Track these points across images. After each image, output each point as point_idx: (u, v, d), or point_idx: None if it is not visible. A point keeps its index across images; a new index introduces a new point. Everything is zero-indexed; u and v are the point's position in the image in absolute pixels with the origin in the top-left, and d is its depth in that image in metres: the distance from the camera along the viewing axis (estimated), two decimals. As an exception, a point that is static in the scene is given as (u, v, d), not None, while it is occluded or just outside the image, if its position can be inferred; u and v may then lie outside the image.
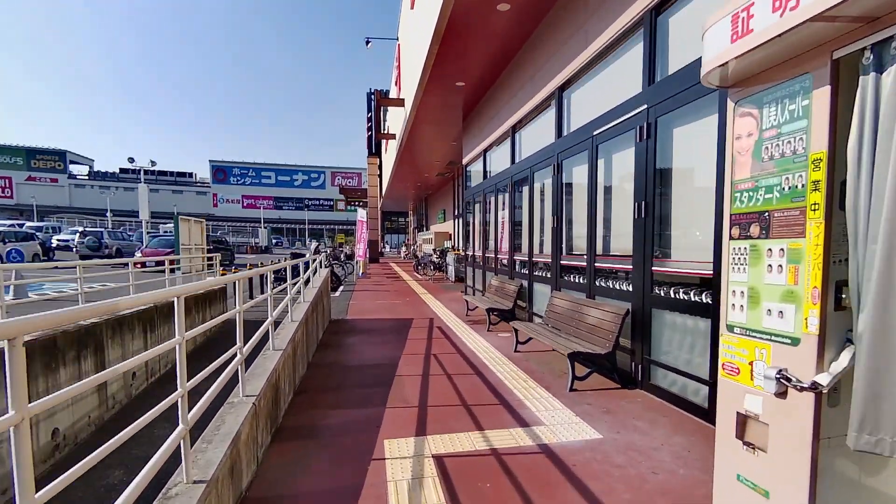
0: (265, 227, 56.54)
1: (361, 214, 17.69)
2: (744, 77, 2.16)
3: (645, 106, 4.39)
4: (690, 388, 3.98)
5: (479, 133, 10.75)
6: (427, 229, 33.39)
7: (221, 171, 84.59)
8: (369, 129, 28.96)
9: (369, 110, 31.91)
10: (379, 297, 12.20)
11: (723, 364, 2.35)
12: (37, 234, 27.09)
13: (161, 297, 2.02)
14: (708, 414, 3.71)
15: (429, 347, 6.56)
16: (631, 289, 4.69)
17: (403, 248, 41.65)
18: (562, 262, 6.37)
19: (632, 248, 4.62)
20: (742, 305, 2.20)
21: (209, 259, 11.23)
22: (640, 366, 4.56)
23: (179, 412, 2.18)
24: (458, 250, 19.15)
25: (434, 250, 21.13)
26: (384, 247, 51.62)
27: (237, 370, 3.08)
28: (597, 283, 5.39)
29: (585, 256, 5.58)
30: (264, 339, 4.04)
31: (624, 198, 4.95)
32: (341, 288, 14.29)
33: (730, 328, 2.29)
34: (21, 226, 33.19)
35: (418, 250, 25.01)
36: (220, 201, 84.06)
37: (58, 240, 29.95)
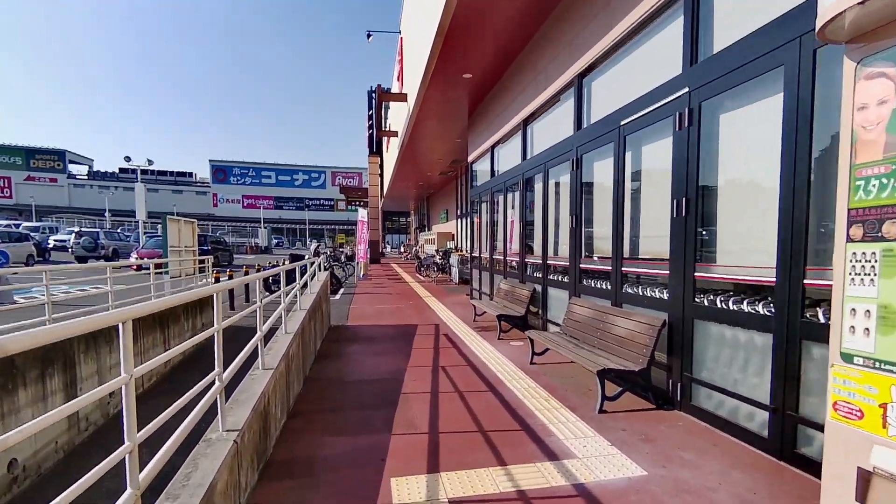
0: (265, 228, 56.03)
1: (362, 214, 17.18)
2: (872, 27, 1.63)
3: (685, 89, 3.86)
4: (743, 413, 3.46)
5: (486, 129, 10.23)
6: (429, 229, 32.87)
7: (221, 171, 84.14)
8: (370, 127, 28.42)
9: (370, 108, 31.41)
10: (381, 301, 11.67)
11: (835, 403, 1.81)
12: (31, 234, 26.61)
13: (97, 325, 1.50)
14: (768, 444, 3.18)
15: (436, 358, 6.03)
16: (667, 297, 4.17)
17: (402, 248, 41.12)
18: (581, 265, 5.84)
19: (669, 251, 4.09)
20: (868, 329, 1.67)
21: (201, 262, 10.69)
22: (679, 384, 4.03)
23: (128, 473, 1.66)
24: (463, 251, 18.63)
25: (437, 251, 20.62)
26: (385, 247, 51.09)
27: (216, 399, 2.57)
28: (624, 290, 4.86)
29: (610, 260, 5.05)
30: (254, 355, 3.52)
31: (658, 194, 4.42)
32: (342, 290, 13.78)
33: (847, 357, 1.76)
34: (17, 226, 32.71)
35: (420, 251, 24.48)
36: (221, 201, 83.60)
37: (55, 240, 29.47)
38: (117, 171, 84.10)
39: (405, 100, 12.21)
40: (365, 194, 33.37)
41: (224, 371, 2.64)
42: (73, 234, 25.03)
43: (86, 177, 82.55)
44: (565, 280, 6.33)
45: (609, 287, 5.11)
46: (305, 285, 7.05)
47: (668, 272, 4.13)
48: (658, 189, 4.40)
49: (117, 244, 25.39)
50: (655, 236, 4.47)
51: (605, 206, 5.21)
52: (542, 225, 7.05)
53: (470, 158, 11.82)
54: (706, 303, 3.78)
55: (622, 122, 4.77)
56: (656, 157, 4.46)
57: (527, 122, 7.79)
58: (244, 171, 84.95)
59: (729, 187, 3.69)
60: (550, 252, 6.97)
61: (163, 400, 2.35)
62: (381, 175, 30.48)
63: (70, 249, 24.65)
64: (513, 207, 8.77)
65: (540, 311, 7.18)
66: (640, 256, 4.77)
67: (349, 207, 64.00)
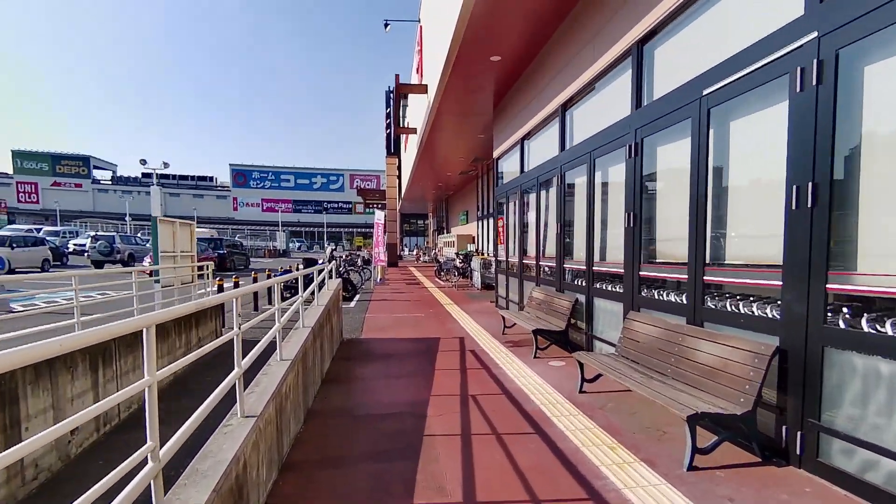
0: (283, 231, 55.86)
1: (379, 216, 16.35)
2: None
3: (813, 35, 2.84)
4: (913, 487, 2.41)
5: (514, 119, 9.26)
6: (448, 232, 31.97)
7: (241, 175, 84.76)
8: (388, 127, 27.72)
9: (388, 107, 30.73)
10: (399, 309, 10.77)
11: None
12: (47, 239, 26.50)
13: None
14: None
15: (464, 383, 5.07)
16: (780, 316, 3.13)
17: (416, 251, 40.28)
18: (641, 272, 4.81)
19: (782, 255, 3.07)
20: None
21: (200, 268, 9.91)
22: (799, 433, 2.99)
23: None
24: (485, 255, 17.65)
25: (457, 254, 19.67)
26: (403, 250, 50.39)
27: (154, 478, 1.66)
28: (706, 305, 3.83)
29: (686, 267, 4.02)
30: (232, 395, 2.62)
31: (760, 182, 3.40)
32: (357, 297, 12.92)
33: None
34: (38, 230, 32.89)
35: (439, 254, 23.56)
36: (241, 205, 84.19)
37: (74, 244, 29.46)
38: (140, 175, 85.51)
39: (425, 91, 11.34)
40: (382, 196, 32.66)
41: (159, 447, 1.72)
42: (90, 239, 24.82)
43: (109, 182, 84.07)
44: (618, 290, 5.31)
45: (684, 300, 4.08)
46: (313, 296, 6.17)
47: (779, 283, 3.10)
48: (762, 175, 3.38)
49: (133, 248, 25.08)
50: (757, 236, 3.44)
51: (677, 199, 4.18)
52: (585, 225, 6.04)
53: (495, 154, 10.85)
54: (842, 324, 2.74)
55: (704, 92, 3.75)
56: (758, 130, 3.43)
57: (565, 106, 6.79)
58: (263, 174, 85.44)
59: (883, 170, 2.65)
60: (597, 257, 5.95)
61: None
62: (399, 177, 29.74)
63: (86, 254, 24.44)
64: (547, 206, 7.77)
65: (584, 327, 6.16)
66: (731, 262, 3.73)
67: (367, 210, 63.63)
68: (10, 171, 77.48)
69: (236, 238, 52.72)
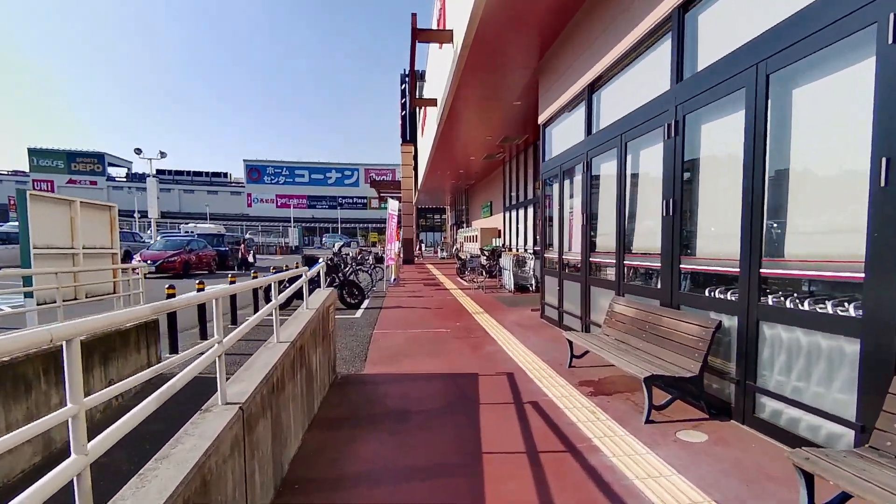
0: (295, 227, 54.00)
1: (393, 207, 13.99)
2: None
3: None
4: None
5: (573, 65, 6.77)
6: (468, 225, 29.50)
7: (255, 171, 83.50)
8: (402, 113, 25.38)
9: (402, 87, 28.34)
10: (416, 321, 8.38)
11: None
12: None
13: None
14: None
15: (542, 490, 2.64)
16: None
17: (437, 248, 37.88)
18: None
19: None
20: None
21: (127, 270, 7.55)
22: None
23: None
24: (516, 250, 15.18)
25: (481, 250, 17.21)
26: (420, 246, 48.11)
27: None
28: None
29: None
30: None
31: None
32: (366, 303, 10.58)
33: None
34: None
35: (461, 250, 21.10)
36: (255, 201, 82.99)
37: (74, 242, 27.84)
38: (154, 172, 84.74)
39: (449, 39, 8.89)
40: (397, 188, 30.36)
41: None
42: (83, 235, 23.04)
43: (124, 178, 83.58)
44: (828, 308, 2.82)
45: None
46: (288, 303, 3.76)
47: None
48: None
49: (130, 245, 23.21)
50: None
51: None
52: (747, 199, 3.54)
53: (542, 119, 8.34)
54: None
55: None
56: None
57: (685, 7, 4.27)
58: (278, 170, 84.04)
59: None
60: (787, 250, 3.45)
61: None
62: (416, 167, 27.35)
63: (79, 251, 22.68)
64: (636, 178, 5.28)
65: (733, 369, 3.67)
66: None
67: (381, 205, 61.46)
68: (27, 170, 77.53)
69: (246, 234, 51.08)
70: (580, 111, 6.66)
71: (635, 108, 5.07)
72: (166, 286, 7.15)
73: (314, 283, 9.86)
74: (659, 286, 4.64)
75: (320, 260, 10.23)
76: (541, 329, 7.49)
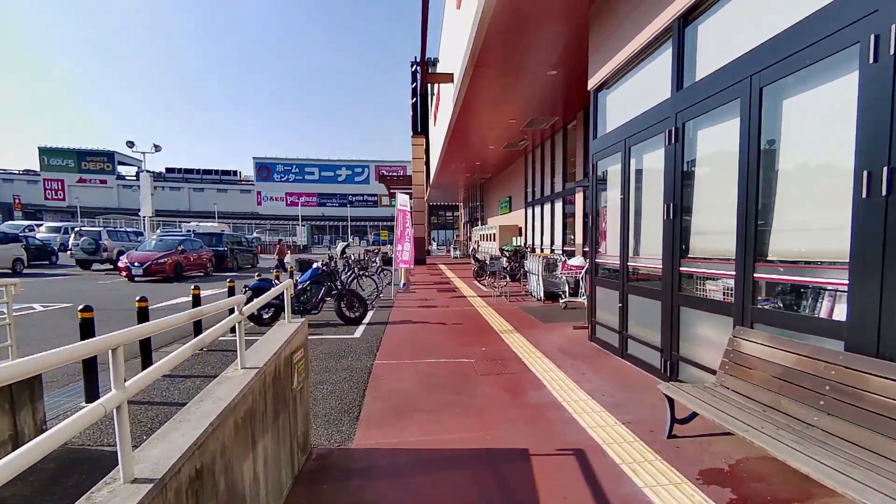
0: (303, 225, 52.55)
1: (403, 202, 12.19)
2: None
3: None
4: None
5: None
6: (483, 223, 27.62)
7: (265, 169, 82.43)
8: (414, 100, 23.60)
9: (413, 80, 26.53)
10: (430, 344, 6.55)
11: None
12: (37, 237, 23.63)
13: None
14: None
15: None
16: None
17: (452, 247, 36.04)
18: None
19: None
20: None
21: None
22: None
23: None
24: (545, 252, 13.30)
25: (501, 250, 15.33)
26: (431, 244, 46.31)
27: None
28: None
29: None
30: None
31: None
32: (369, 316, 8.80)
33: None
34: (31, 228, 30.26)
35: (477, 251, 19.23)
36: (265, 199, 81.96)
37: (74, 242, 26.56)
38: (164, 171, 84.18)
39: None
40: (408, 183, 28.58)
41: None
42: (73, 234, 21.58)
43: (134, 177, 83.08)
44: None
45: None
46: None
47: None
48: None
49: (124, 245, 21.73)
50: None
51: None
52: None
53: (593, 82, 6.42)
54: None
55: None
56: None
57: None
58: (287, 167, 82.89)
59: None
60: None
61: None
62: (427, 162, 25.55)
63: (69, 251, 21.31)
64: (771, 143, 3.39)
65: None
66: None
67: (391, 202, 59.80)
68: (38, 169, 77.36)
69: (254, 233, 49.74)
70: (661, 59, 4.76)
71: (777, 32, 3.19)
72: (137, 298, 5.41)
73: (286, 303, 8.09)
74: (845, 318, 2.76)
75: (315, 265, 8.48)
76: (596, 359, 5.63)
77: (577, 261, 10.50)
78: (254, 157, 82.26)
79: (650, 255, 5.03)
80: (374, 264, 14.87)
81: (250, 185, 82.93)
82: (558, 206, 13.34)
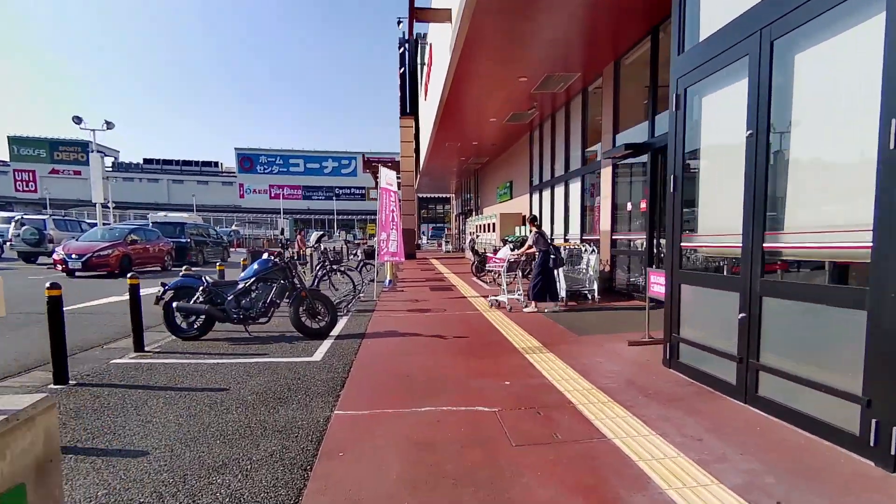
0: (285, 218, 49.86)
1: (389, 178, 9.78)
2: None
3: None
4: None
5: None
6: (478, 213, 25.37)
7: (248, 160, 79.22)
8: (401, 71, 21.24)
9: (402, 65, 24.04)
10: (424, 374, 4.27)
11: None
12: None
13: None
14: None
15: None
16: None
17: (444, 240, 33.80)
18: None
19: None
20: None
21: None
22: None
23: None
24: (564, 243, 11.12)
25: (504, 241, 13.09)
26: (421, 238, 43.94)
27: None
28: None
29: None
30: None
31: None
32: (340, 324, 6.54)
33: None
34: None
35: (476, 242, 16.88)
36: (248, 192, 78.82)
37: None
38: (141, 161, 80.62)
39: None
40: (395, 168, 26.22)
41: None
42: (12, 224, 18.93)
43: (110, 168, 79.44)
44: None
45: None
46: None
47: None
48: None
49: (72, 235, 19.11)
50: None
51: None
52: None
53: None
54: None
55: None
56: None
57: None
58: (271, 158, 79.79)
59: None
60: None
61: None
62: (417, 147, 23.21)
63: (8, 243, 18.71)
64: None
65: None
66: None
67: (376, 192, 57.21)
68: (7, 159, 73.65)
69: (233, 226, 47.00)
70: None
71: None
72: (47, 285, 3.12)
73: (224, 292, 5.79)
74: None
75: (264, 256, 6.21)
76: (699, 404, 3.42)
77: (504, 252, 8.85)
78: (236, 148, 79.00)
79: (821, 227, 2.82)
80: (355, 257, 12.57)
81: (232, 177, 79.71)
82: (575, 187, 11.13)
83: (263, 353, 5.09)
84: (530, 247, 7.69)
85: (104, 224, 20.04)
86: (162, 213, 35.12)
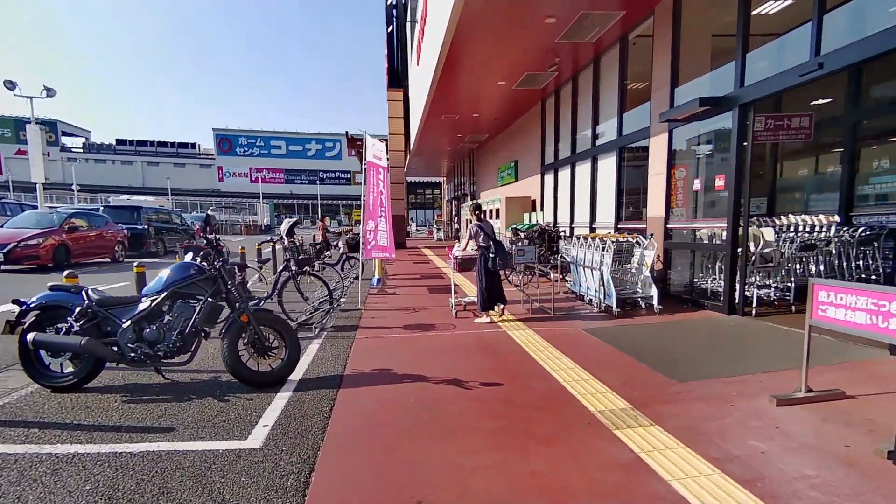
0: (265, 203, 47.10)
1: (376, 150, 7.60)
2: None
3: None
4: None
5: None
6: (473, 197, 23.22)
7: (227, 142, 75.70)
8: (389, 31, 18.83)
9: (389, 23, 21.54)
10: (447, 494, 2.22)
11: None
12: None
13: None
14: None
15: None
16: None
17: (435, 227, 31.66)
18: None
19: None
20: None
21: None
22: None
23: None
24: (606, 234, 9.13)
25: (516, 231, 11.00)
26: (410, 225, 41.70)
27: None
28: None
29: None
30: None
31: None
32: (307, 359, 4.43)
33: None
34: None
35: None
36: (227, 175, 75.45)
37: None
38: (114, 143, 76.50)
39: None
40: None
41: None
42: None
43: (81, 149, 75.33)
44: None
45: None
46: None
47: None
48: None
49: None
50: None
51: None
52: None
53: None
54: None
55: None
56: None
57: None
58: (251, 140, 76.42)
59: None
60: None
61: None
62: (406, 124, 20.88)
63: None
64: None
65: None
66: None
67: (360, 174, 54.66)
68: (-31, 139, 69.35)
69: (209, 210, 44.16)
70: None
71: None
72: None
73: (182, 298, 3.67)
74: None
75: (187, 258, 4.00)
76: None
77: (456, 249, 6.82)
78: (214, 129, 75.50)
79: None
80: (336, 249, 10.40)
81: (211, 160, 76.17)
82: (606, 163, 9.05)
83: (166, 430, 2.96)
84: (470, 241, 6.36)
85: (51, 208, 17.49)
86: (125, 196, 32.41)
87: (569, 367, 4.12)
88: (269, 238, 6.74)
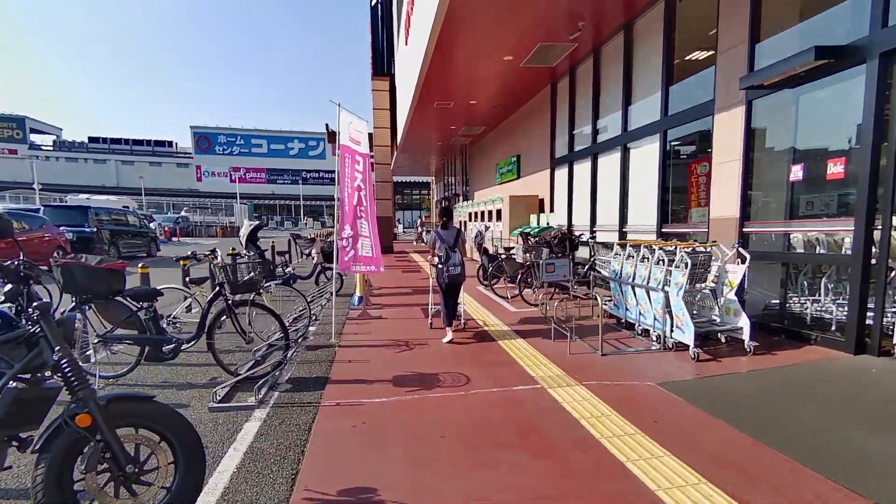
0: (243, 204, 44.72)
1: (354, 132, 5.83)
2: None
3: None
4: None
5: None
6: (466, 199, 21.43)
7: (205, 140, 72.78)
8: (374, 10, 17.02)
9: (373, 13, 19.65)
10: None
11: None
12: None
13: None
14: None
15: None
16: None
17: (423, 230, 29.79)
18: None
19: None
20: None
21: None
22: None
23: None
24: (679, 242, 7.39)
25: (524, 235, 9.22)
26: (397, 227, 39.72)
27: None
28: None
29: None
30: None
31: None
32: (254, 423, 2.58)
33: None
34: None
35: (485, 237, 12.27)
36: (205, 174, 72.52)
37: None
38: (86, 140, 73.05)
39: None
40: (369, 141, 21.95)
41: None
42: None
43: (51, 147, 71.82)
44: None
45: None
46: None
47: None
48: None
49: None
50: None
51: None
52: None
53: None
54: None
55: None
56: None
57: None
58: (231, 138, 73.65)
59: None
60: None
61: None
62: (393, 114, 19.04)
63: None
64: None
65: None
66: None
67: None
68: (-69, 136, 65.78)
69: (182, 212, 41.80)
70: None
71: None
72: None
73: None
74: None
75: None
76: None
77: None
78: (191, 126, 72.49)
79: None
80: (309, 259, 8.52)
81: (188, 159, 73.20)
82: (643, 151, 7.34)
83: None
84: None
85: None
86: (84, 196, 29.94)
87: (674, 470, 2.35)
88: (188, 254, 4.78)
